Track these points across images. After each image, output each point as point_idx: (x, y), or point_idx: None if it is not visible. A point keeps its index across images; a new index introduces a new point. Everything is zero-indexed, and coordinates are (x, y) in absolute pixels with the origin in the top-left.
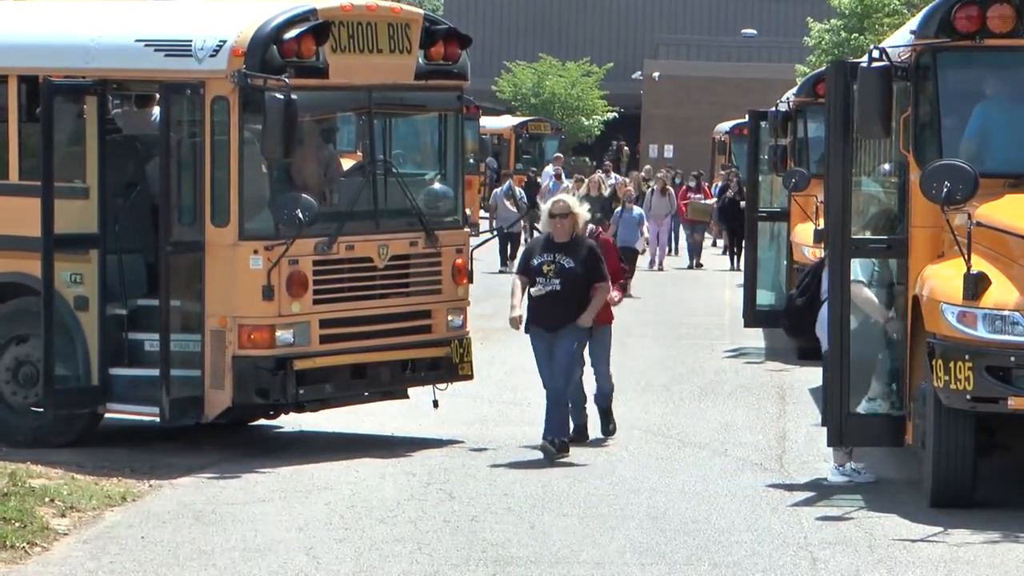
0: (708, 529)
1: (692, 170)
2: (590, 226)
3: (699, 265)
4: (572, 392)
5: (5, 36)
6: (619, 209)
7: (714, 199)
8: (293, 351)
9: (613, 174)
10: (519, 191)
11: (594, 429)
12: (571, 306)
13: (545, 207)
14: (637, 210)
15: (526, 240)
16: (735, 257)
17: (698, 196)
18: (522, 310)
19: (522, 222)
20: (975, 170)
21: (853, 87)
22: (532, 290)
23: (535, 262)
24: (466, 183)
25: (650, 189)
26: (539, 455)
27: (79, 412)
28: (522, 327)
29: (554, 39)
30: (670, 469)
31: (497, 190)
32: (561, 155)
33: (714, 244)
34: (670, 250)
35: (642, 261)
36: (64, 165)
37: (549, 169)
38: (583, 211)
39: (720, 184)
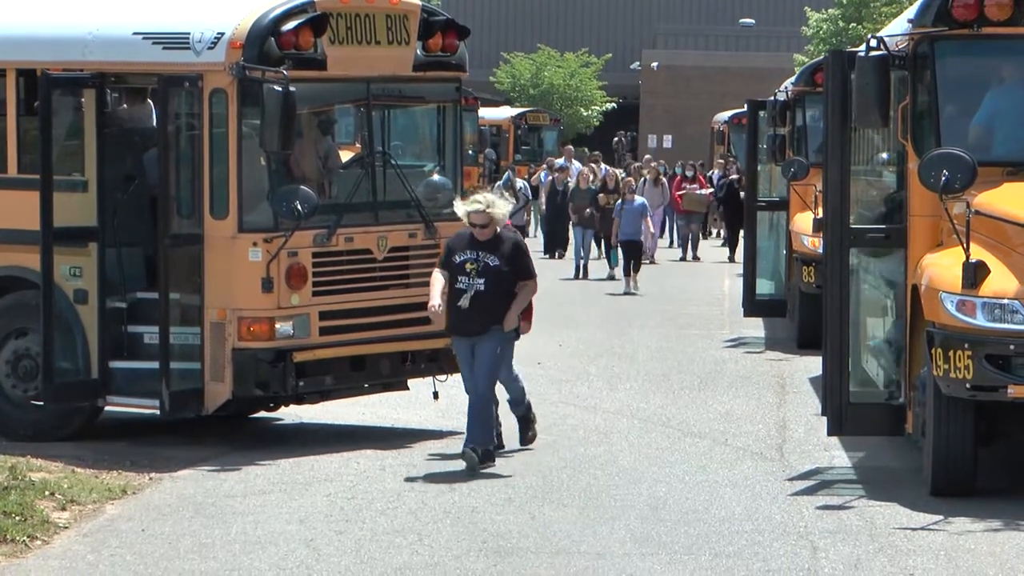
0: (708, 519)
1: (690, 160)
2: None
3: (696, 258)
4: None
5: (3, 29)
6: (619, 201)
7: (710, 189)
8: (293, 343)
9: (603, 165)
10: (521, 182)
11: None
12: (496, 306)
13: (462, 210)
14: (639, 200)
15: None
16: (734, 249)
17: (693, 186)
18: (441, 301)
19: (526, 214)
20: (973, 159)
21: (851, 76)
22: (460, 301)
23: (457, 259)
24: (465, 174)
25: (643, 179)
26: (539, 445)
27: (79, 405)
28: (444, 322)
29: (552, 30)
30: (670, 459)
31: (498, 183)
32: (571, 147)
33: (717, 235)
34: (671, 242)
35: None
36: (63, 158)
37: (562, 162)
38: (500, 210)
39: (718, 173)
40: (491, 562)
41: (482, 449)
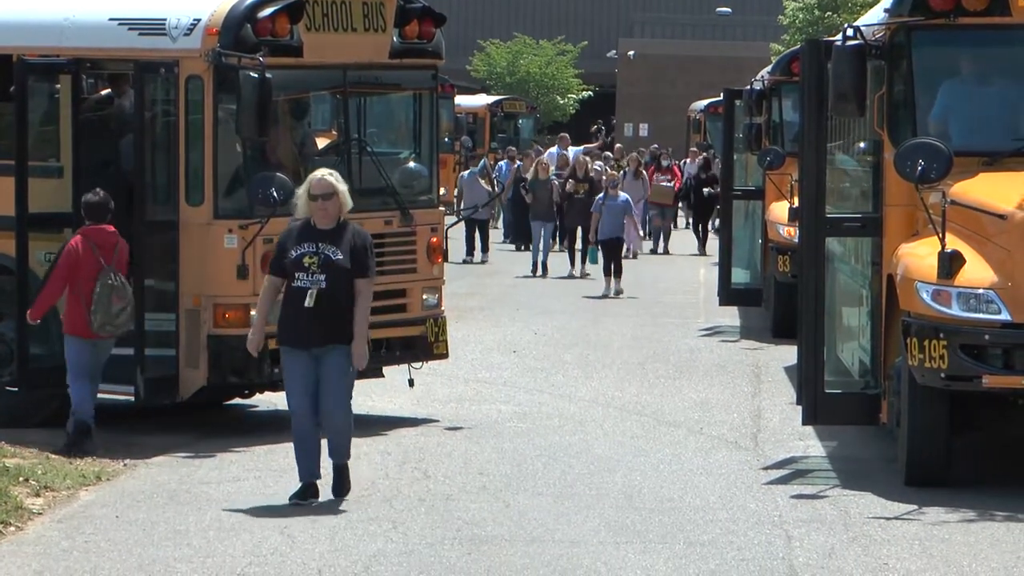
0: (683, 507)
1: (665, 147)
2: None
3: (666, 251)
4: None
5: None
6: (600, 196)
7: (675, 180)
8: (268, 330)
9: (571, 148)
10: (502, 165)
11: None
12: (341, 312)
13: (302, 190)
14: (623, 196)
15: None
16: (704, 241)
17: (665, 177)
18: (262, 330)
19: (492, 207)
20: (949, 149)
21: (827, 66)
22: (306, 302)
23: (293, 254)
24: (440, 162)
25: (622, 171)
26: (514, 433)
27: (53, 391)
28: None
29: (529, 18)
30: (645, 448)
31: (463, 174)
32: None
33: (687, 225)
34: (646, 235)
35: None
36: (38, 144)
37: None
38: (344, 187)
39: (691, 164)
40: (465, 550)
41: (313, 483)
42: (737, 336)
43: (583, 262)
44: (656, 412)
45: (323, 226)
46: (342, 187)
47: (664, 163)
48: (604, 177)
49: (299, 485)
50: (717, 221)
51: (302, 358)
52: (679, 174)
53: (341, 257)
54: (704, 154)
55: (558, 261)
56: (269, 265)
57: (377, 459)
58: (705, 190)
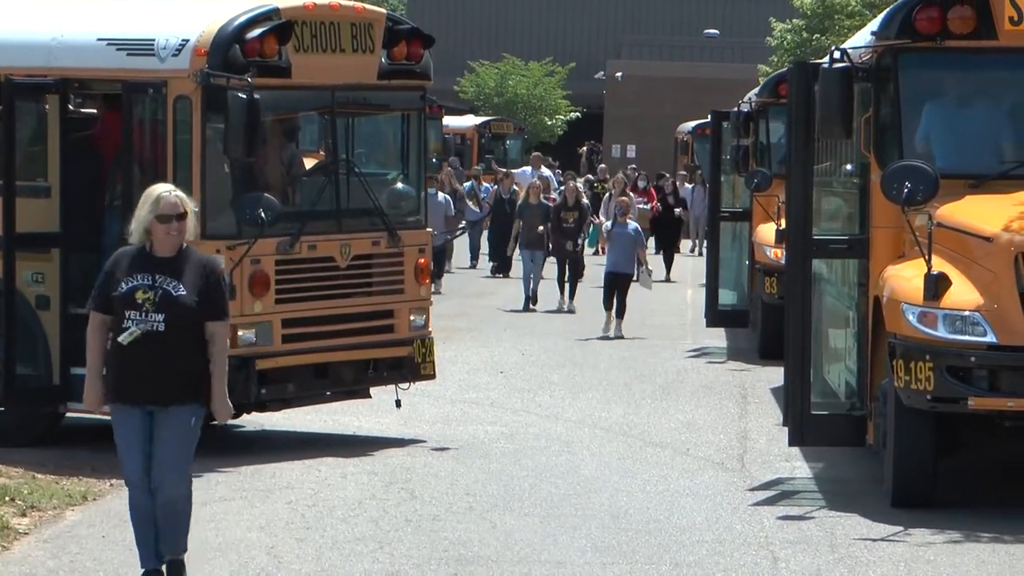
0: (669, 528)
1: (643, 170)
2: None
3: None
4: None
5: None
6: (608, 223)
7: (657, 203)
8: (255, 351)
9: (550, 172)
10: (488, 187)
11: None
12: (181, 360)
13: (140, 209)
14: (632, 224)
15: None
16: (669, 266)
17: (641, 199)
18: (99, 380)
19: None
20: (936, 171)
21: (815, 88)
22: (120, 336)
23: (123, 287)
24: (428, 183)
25: (608, 193)
26: (501, 454)
27: (40, 411)
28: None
29: (517, 39)
30: (631, 469)
31: (468, 182)
32: (539, 155)
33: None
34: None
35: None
36: (26, 164)
37: (527, 170)
38: (192, 207)
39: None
40: (452, 570)
41: (156, 570)
42: (724, 357)
43: (571, 296)
44: (643, 433)
45: (163, 254)
46: (192, 207)
47: (640, 184)
48: (613, 203)
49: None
50: (691, 244)
51: (135, 417)
52: (655, 197)
53: (184, 292)
54: (671, 177)
55: (548, 288)
56: (92, 299)
57: (364, 479)
58: (677, 210)
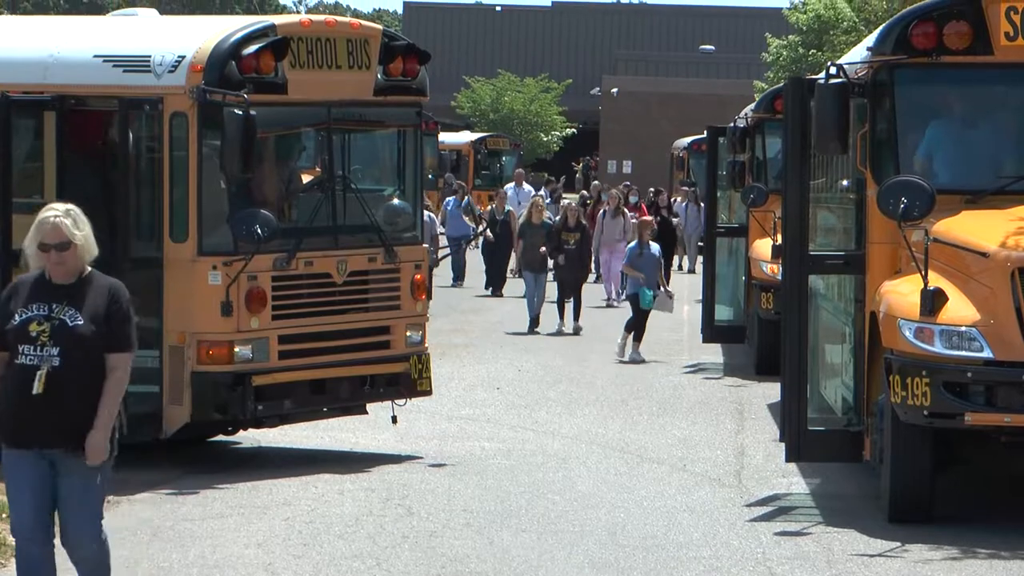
0: (667, 545)
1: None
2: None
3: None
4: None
5: None
6: (633, 245)
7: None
8: (252, 367)
9: (539, 192)
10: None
11: None
12: (84, 397)
13: (28, 236)
14: (656, 247)
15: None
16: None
17: (632, 214)
18: None
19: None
20: (932, 186)
21: (811, 103)
22: (34, 388)
23: (16, 320)
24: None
25: (602, 211)
26: (498, 470)
27: None
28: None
29: (513, 55)
30: (628, 485)
31: (450, 198)
32: (522, 171)
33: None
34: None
35: (594, 296)
36: (22, 181)
37: (509, 188)
38: (85, 231)
39: (681, 202)
40: None
41: None
42: (720, 373)
43: (575, 317)
44: (639, 449)
45: (60, 281)
46: (81, 232)
47: (632, 200)
48: (635, 220)
49: None
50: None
51: (28, 461)
52: (647, 212)
53: (82, 323)
54: (666, 192)
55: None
56: None
57: (361, 496)
58: (675, 219)
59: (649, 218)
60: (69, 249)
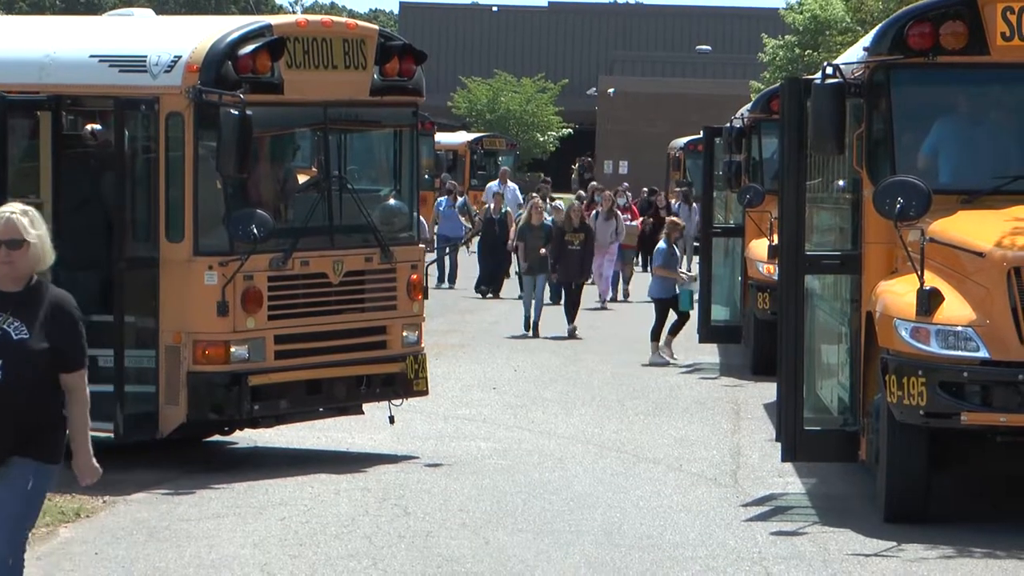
0: (663, 544)
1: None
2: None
3: (626, 296)
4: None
5: None
6: (661, 246)
7: (640, 220)
8: (248, 367)
9: (556, 201)
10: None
11: None
12: (28, 412)
13: None
14: (674, 248)
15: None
16: None
17: (625, 217)
18: None
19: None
20: (928, 186)
21: (807, 103)
22: None
23: None
24: (420, 199)
25: (594, 213)
26: (494, 470)
27: None
28: None
29: (509, 55)
30: (625, 484)
31: (442, 197)
32: (507, 169)
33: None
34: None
35: (587, 297)
36: (18, 180)
37: (494, 185)
38: (39, 231)
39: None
40: None
41: None
42: (717, 373)
43: (570, 319)
44: (636, 449)
45: (6, 288)
46: (36, 232)
47: (620, 202)
48: (628, 222)
49: None
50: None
51: None
52: (638, 214)
53: (28, 336)
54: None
55: (548, 316)
56: None
57: (357, 496)
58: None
59: (676, 218)
60: (21, 248)
